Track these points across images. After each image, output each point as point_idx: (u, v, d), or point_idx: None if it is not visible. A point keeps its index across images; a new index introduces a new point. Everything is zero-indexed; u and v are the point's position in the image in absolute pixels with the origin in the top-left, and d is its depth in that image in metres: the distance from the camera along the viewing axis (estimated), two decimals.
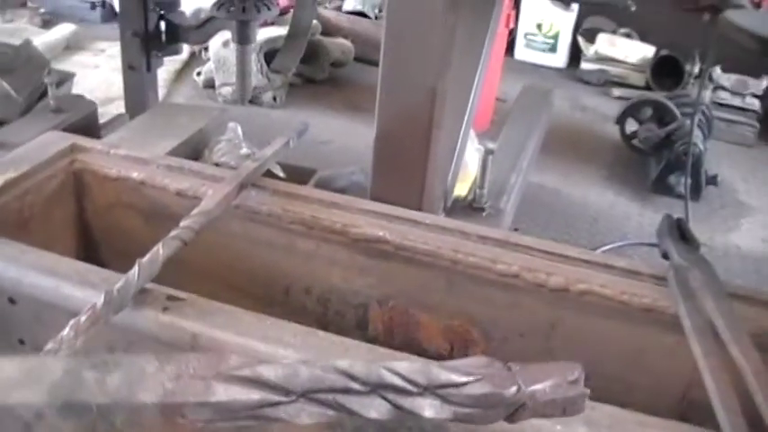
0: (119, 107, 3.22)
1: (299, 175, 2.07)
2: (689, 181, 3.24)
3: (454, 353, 1.57)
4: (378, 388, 0.90)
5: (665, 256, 1.52)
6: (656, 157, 3.92)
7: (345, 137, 4.00)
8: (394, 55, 1.71)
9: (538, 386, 0.92)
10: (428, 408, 0.90)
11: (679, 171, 3.69)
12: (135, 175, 1.69)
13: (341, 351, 1.15)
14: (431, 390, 0.90)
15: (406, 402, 0.90)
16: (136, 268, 1.25)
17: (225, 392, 0.87)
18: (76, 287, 1.26)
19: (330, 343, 1.17)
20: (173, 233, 1.37)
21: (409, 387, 0.90)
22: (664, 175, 3.79)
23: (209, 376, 0.89)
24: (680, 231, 1.56)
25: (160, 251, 1.31)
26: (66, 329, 1.12)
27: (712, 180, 3.84)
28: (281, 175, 1.91)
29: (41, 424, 0.83)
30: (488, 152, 2.04)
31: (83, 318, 1.14)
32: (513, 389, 0.91)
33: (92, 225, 1.78)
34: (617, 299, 1.42)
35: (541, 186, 3.70)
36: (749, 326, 1.33)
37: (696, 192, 3.72)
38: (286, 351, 1.14)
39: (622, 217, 3.60)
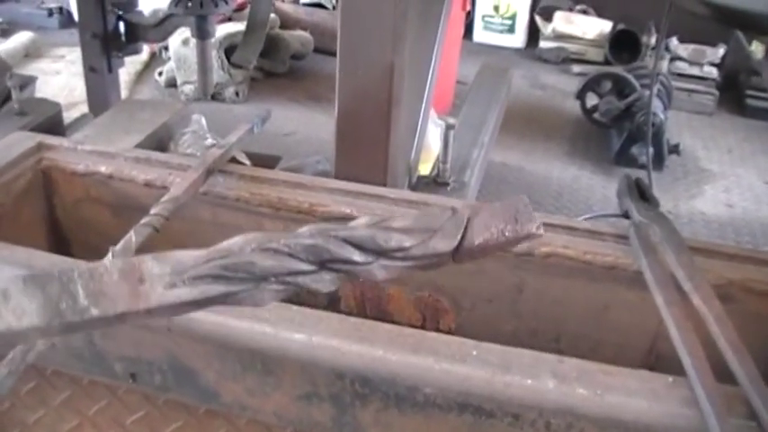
0: (82, 111, 3.21)
1: (264, 163, 2.08)
2: (651, 151, 3.28)
3: (426, 323, 1.60)
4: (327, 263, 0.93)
5: (626, 215, 1.55)
6: (618, 129, 3.95)
7: (308, 127, 4.02)
8: (350, 32, 1.73)
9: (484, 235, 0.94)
10: (378, 271, 0.93)
11: (641, 142, 3.73)
12: (103, 169, 1.70)
13: (314, 322, 1.17)
14: (382, 255, 0.93)
15: (358, 270, 0.93)
16: (109, 256, 1.27)
17: (190, 293, 0.90)
18: None
19: (303, 315, 1.19)
20: (144, 220, 1.39)
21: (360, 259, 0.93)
22: (626, 147, 3.83)
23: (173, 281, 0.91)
24: (639, 190, 1.60)
25: (132, 239, 1.33)
26: None
27: (674, 149, 3.88)
28: (247, 163, 1.93)
29: (8, 306, 0.85)
30: (449, 127, 2.07)
31: None
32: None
33: (62, 221, 1.80)
34: (580, 259, 1.45)
35: (505, 165, 3.74)
36: (710, 277, 1.37)
37: (659, 161, 3.77)
38: (261, 326, 1.16)
39: (586, 190, 3.64)
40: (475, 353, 1.12)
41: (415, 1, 1.79)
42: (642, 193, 1.59)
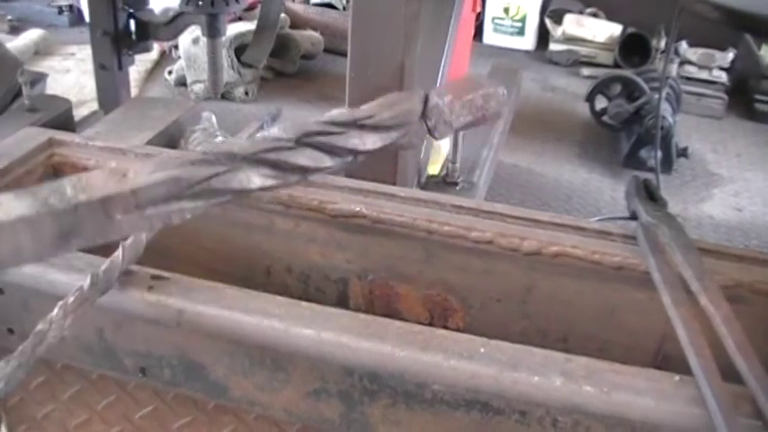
0: (91, 109, 3.22)
1: None
2: (659, 154, 3.28)
3: (434, 321, 1.60)
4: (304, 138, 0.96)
5: (634, 215, 1.56)
6: (627, 132, 3.96)
7: None
8: (361, 33, 1.74)
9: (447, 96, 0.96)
10: (355, 140, 0.97)
11: (650, 145, 3.73)
12: (114, 164, 1.70)
13: (324, 318, 1.18)
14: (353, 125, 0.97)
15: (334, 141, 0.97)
16: (120, 250, 1.28)
17: (172, 174, 0.92)
18: (62, 272, 1.28)
19: (313, 311, 1.20)
20: None
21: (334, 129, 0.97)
22: (635, 150, 3.83)
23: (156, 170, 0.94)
24: (647, 191, 1.60)
25: (143, 234, 1.34)
26: (56, 310, 1.15)
27: (683, 152, 3.88)
28: None
29: None
30: None
31: (70, 299, 1.17)
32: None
33: None
34: (588, 259, 1.45)
35: (515, 166, 3.74)
36: (719, 278, 1.37)
37: (668, 165, 3.77)
38: (270, 321, 1.17)
39: (596, 193, 3.64)
40: (483, 350, 1.12)
41: (427, 1, 1.79)
42: (650, 194, 1.59)
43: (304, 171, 0.94)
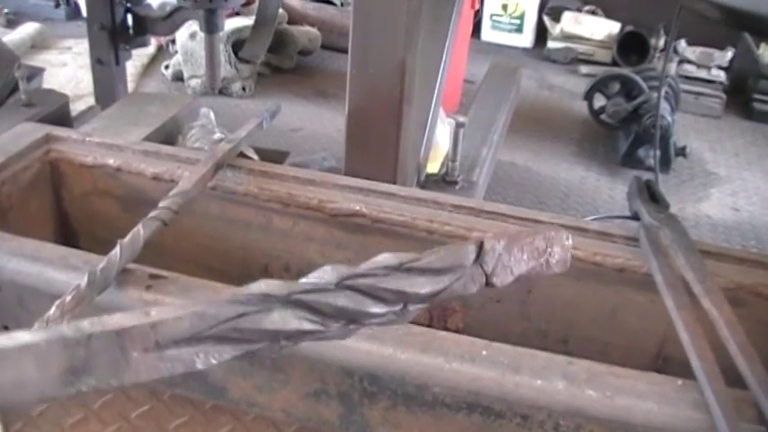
0: (88, 104, 3.20)
1: (272, 158, 2.08)
2: (658, 153, 3.27)
3: (433, 322, 1.59)
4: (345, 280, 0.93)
5: (636, 216, 1.55)
6: (625, 130, 3.95)
7: (315, 124, 4.02)
8: (362, 29, 1.73)
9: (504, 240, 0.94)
10: (401, 281, 0.92)
11: (648, 144, 3.73)
12: (111, 161, 1.70)
13: None
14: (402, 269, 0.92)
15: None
16: (117, 249, 1.26)
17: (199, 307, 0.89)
18: (59, 270, 1.27)
19: None
20: (152, 214, 1.38)
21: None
22: (633, 149, 3.82)
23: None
24: (649, 192, 1.59)
25: (141, 231, 1.32)
26: (52, 309, 1.14)
27: (681, 152, 3.87)
28: (255, 158, 1.92)
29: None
30: (459, 125, 2.06)
31: (68, 298, 1.16)
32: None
33: (69, 214, 1.79)
34: (590, 260, 1.45)
35: (512, 164, 3.73)
36: (721, 281, 1.36)
37: (665, 164, 3.76)
38: None
39: (593, 191, 3.63)
40: (485, 353, 1.12)
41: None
42: (653, 195, 1.58)
43: (346, 316, 0.91)
